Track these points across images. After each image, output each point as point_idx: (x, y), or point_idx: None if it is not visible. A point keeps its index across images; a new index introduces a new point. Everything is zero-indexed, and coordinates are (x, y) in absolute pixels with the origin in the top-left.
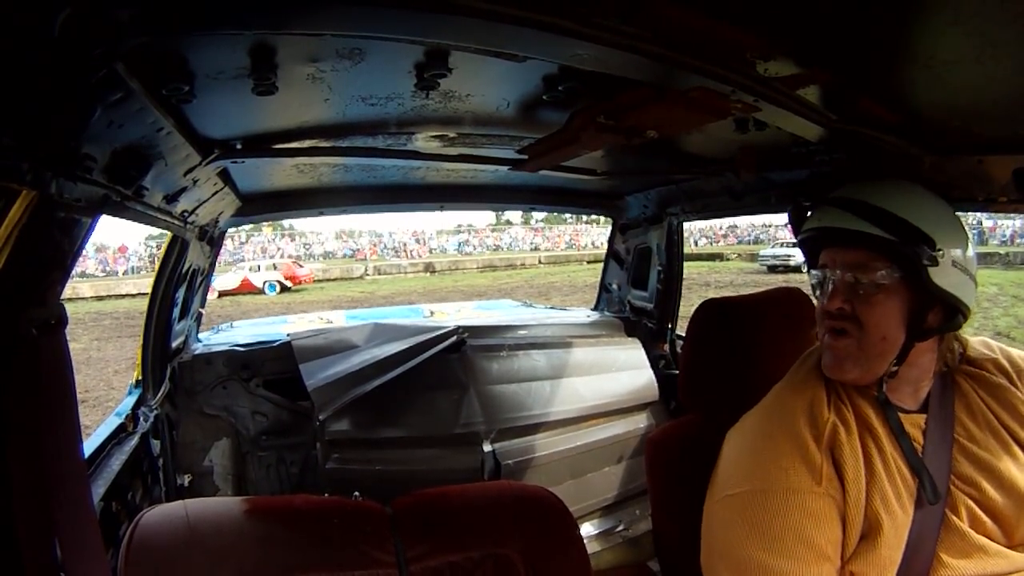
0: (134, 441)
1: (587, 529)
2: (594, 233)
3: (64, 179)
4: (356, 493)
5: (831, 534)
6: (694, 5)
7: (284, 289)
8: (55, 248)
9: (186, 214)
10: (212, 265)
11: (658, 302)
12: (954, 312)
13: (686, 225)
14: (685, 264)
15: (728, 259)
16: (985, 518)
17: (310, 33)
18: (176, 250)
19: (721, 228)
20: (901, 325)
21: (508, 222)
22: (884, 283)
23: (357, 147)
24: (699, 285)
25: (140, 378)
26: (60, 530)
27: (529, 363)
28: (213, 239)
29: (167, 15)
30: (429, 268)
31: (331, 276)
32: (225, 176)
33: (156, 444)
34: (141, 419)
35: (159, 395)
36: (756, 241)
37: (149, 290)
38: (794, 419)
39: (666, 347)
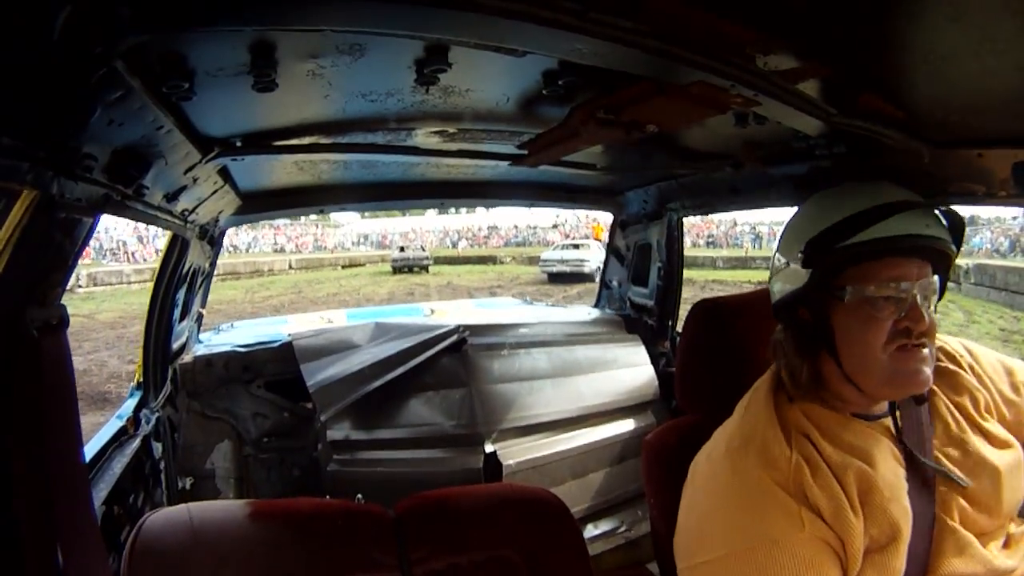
0: (136, 444)
1: (588, 530)
2: (339, 235)
3: (65, 179)
4: (359, 496)
5: None
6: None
7: None
8: (56, 248)
9: (186, 213)
10: (213, 265)
11: (659, 299)
12: None
13: (445, 226)
14: (453, 267)
15: (503, 262)
16: (971, 510)
17: (310, 29)
18: (177, 250)
19: (482, 229)
20: None
21: None
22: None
23: (357, 143)
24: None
25: (141, 380)
26: (61, 534)
27: (530, 362)
28: (214, 238)
29: (167, 12)
30: None
31: None
32: (225, 174)
33: (158, 447)
34: (143, 421)
35: (160, 397)
36: (524, 243)
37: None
38: (752, 466)
39: (667, 344)
